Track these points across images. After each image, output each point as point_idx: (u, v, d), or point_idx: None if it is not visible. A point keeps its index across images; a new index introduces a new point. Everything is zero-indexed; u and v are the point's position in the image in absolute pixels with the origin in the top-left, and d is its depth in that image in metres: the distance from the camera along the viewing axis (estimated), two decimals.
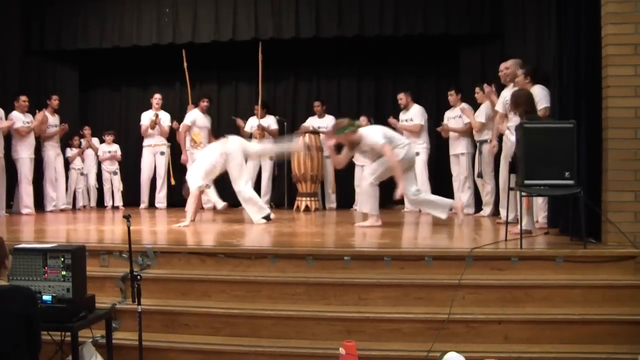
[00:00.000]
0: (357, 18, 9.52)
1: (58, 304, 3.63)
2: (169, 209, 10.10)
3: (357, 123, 6.81)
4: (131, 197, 10.51)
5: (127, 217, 4.14)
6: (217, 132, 9.62)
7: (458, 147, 8.55)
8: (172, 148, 10.35)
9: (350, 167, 9.82)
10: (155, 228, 7.07)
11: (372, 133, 6.62)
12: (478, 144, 7.96)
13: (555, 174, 4.87)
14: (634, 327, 4.10)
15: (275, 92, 11.13)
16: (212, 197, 8.61)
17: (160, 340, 4.28)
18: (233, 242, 5.46)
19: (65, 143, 10.13)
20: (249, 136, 9.80)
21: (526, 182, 4.96)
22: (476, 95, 8.03)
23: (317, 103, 10.21)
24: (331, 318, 4.28)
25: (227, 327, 4.36)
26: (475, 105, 8.08)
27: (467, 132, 8.34)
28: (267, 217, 7.23)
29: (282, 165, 9.98)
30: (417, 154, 8.05)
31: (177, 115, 10.38)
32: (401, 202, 8.74)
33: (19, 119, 8.96)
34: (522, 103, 5.47)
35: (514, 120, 6.01)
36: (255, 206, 7.29)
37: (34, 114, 9.19)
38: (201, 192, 7.42)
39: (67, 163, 10.06)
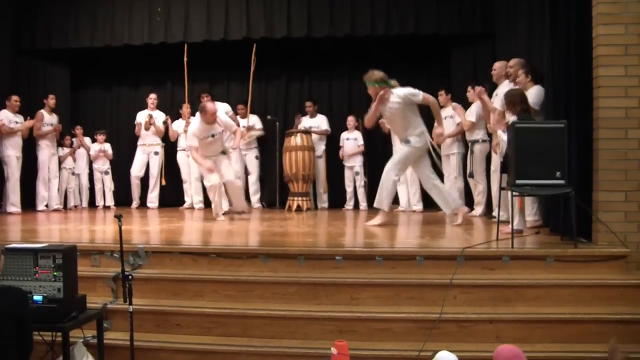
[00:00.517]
0: (348, 18, 9.53)
1: (49, 304, 3.62)
2: (160, 208, 10.08)
3: (392, 82, 6.72)
4: (122, 196, 10.49)
5: (118, 217, 4.14)
6: None
7: (450, 148, 8.56)
8: (166, 148, 10.33)
9: (341, 167, 9.86)
10: (146, 228, 7.05)
11: (410, 89, 6.65)
12: (470, 144, 7.99)
13: (546, 174, 4.90)
14: (624, 326, 4.11)
15: (267, 91, 11.11)
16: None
17: (152, 340, 4.27)
18: (225, 241, 5.45)
19: (56, 143, 10.07)
20: None
21: (517, 181, 4.98)
22: (468, 94, 8.06)
23: (308, 103, 10.22)
24: (323, 318, 4.28)
25: (219, 327, 4.35)
26: (467, 105, 8.10)
27: (460, 133, 8.36)
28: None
29: (272, 165, 9.97)
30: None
31: (169, 114, 10.38)
32: (396, 201, 8.74)
33: (8, 118, 8.93)
34: (519, 102, 5.50)
35: (509, 119, 6.02)
36: None
37: (25, 114, 9.15)
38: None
39: (58, 162, 10.02)
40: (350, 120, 9.91)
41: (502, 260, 4.60)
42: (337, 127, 10.14)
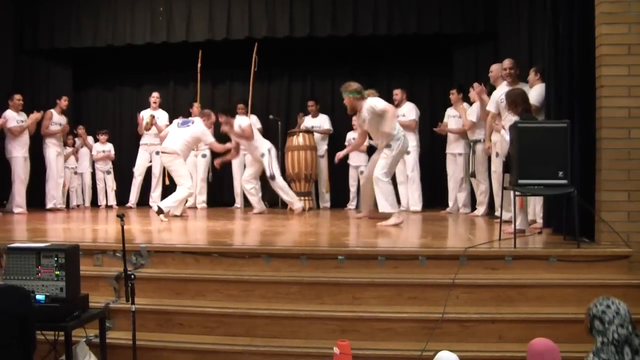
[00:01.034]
0: (351, 17, 9.52)
1: (51, 304, 3.62)
2: None
3: (365, 92, 6.89)
4: (125, 196, 10.47)
5: (120, 217, 4.13)
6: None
7: (457, 147, 8.56)
8: None
9: (345, 166, 9.84)
10: (149, 227, 7.05)
11: (376, 100, 6.75)
12: (472, 144, 7.98)
13: (548, 174, 4.89)
14: None
15: (269, 91, 11.11)
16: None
17: (154, 340, 4.27)
18: (227, 241, 5.45)
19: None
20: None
21: (520, 181, 4.98)
22: (470, 94, 8.06)
23: (310, 103, 10.21)
24: (325, 317, 4.28)
25: (221, 327, 4.35)
26: (472, 104, 8.10)
27: (466, 132, 8.36)
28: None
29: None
30: (408, 152, 8.02)
31: (172, 115, 10.34)
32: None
33: (13, 117, 8.93)
34: (520, 102, 5.50)
35: (510, 119, 6.02)
36: None
37: (27, 113, 9.15)
38: None
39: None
40: (356, 120, 9.88)
41: (505, 260, 4.60)
42: (339, 127, 10.13)
